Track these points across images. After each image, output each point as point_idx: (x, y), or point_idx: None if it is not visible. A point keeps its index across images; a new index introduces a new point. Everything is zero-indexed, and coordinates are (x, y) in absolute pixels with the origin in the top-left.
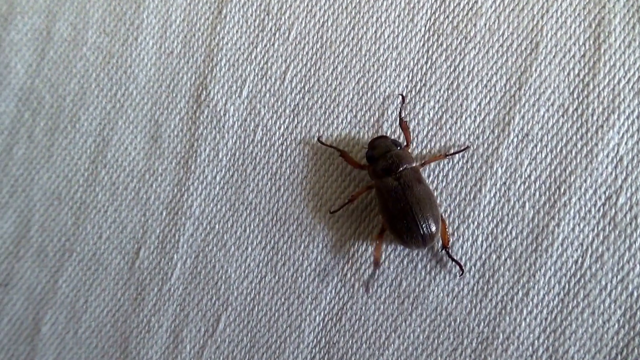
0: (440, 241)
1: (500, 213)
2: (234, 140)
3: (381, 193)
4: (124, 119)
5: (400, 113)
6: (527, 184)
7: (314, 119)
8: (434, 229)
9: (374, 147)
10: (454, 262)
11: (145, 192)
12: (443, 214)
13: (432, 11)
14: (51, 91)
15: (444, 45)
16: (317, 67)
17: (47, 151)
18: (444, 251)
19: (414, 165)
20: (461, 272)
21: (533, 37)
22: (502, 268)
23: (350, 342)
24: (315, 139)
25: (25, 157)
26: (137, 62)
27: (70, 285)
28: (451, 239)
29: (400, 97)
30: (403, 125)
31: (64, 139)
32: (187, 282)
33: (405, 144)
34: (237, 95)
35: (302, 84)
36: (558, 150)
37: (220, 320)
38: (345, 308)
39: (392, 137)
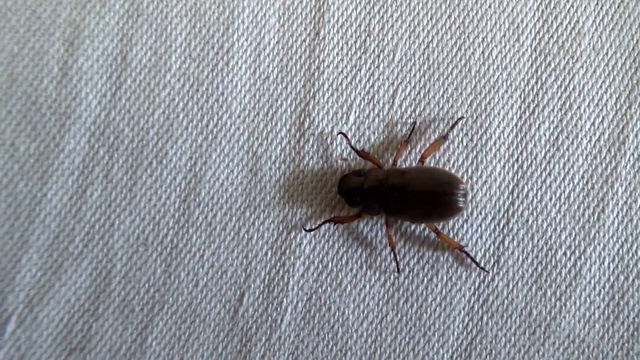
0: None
1: (624, 233)
2: (342, 169)
3: (398, 213)
4: (218, 152)
5: (354, 148)
6: None
7: (427, 145)
8: (454, 179)
9: (348, 192)
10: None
11: (246, 232)
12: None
13: (536, 31)
14: (131, 124)
15: (552, 65)
16: (426, 90)
17: (129, 192)
18: None
19: (383, 169)
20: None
21: (635, 56)
22: (630, 289)
23: None
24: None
25: (102, 200)
26: (230, 89)
27: (162, 342)
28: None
29: (342, 135)
30: (364, 155)
31: (149, 177)
32: (300, 328)
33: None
34: (343, 121)
35: (412, 108)
36: None
37: None
38: (474, 343)
39: (351, 170)
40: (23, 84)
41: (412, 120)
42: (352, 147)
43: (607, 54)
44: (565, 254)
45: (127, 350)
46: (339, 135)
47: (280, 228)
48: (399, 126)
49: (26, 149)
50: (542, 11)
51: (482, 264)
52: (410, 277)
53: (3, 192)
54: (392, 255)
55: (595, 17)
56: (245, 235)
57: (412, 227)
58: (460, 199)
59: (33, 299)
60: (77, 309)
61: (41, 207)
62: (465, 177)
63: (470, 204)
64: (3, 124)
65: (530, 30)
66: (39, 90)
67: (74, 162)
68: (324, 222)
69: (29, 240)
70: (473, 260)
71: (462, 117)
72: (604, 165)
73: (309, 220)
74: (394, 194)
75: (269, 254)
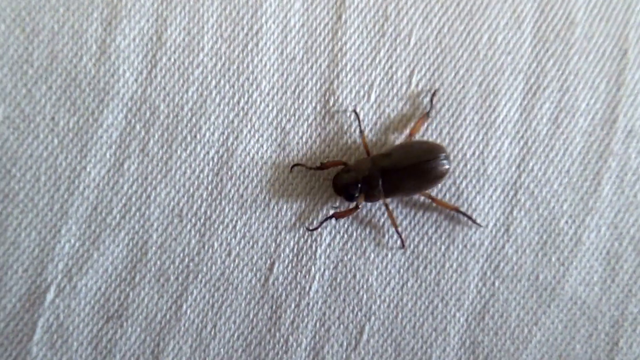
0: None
1: (617, 203)
2: (358, 146)
3: (395, 191)
4: (249, 127)
5: (312, 167)
6: (636, 175)
7: (442, 122)
8: (435, 146)
9: (346, 189)
10: None
11: (276, 203)
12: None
13: (535, 20)
14: (166, 100)
15: (550, 52)
16: (440, 72)
17: (164, 165)
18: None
19: (370, 156)
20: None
21: (622, 44)
22: (624, 254)
23: (494, 340)
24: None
25: (138, 173)
26: (260, 68)
27: (196, 310)
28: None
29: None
30: (327, 165)
31: (183, 151)
32: (327, 295)
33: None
34: (365, 100)
35: (428, 88)
36: None
37: (363, 331)
38: (487, 306)
39: (338, 169)
40: (63, 61)
41: (430, 94)
42: (309, 166)
43: (597, 42)
44: (567, 222)
45: (162, 318)
46: (358, 113)
47: (308, 200)
48: (416, 104)
49: (66, 124)
50: (539, 2)
51: (493, 233)
52: (429, 246)
53: (43, 165)
54: (396, 234)
55: (586, 8)
56: (275, 207)
57: (421, 199)
58: (444, 161)
59: (72, 268)
60: (115, 278)
61: (80, 179)
62: (477, 152)
63: (481, 178)
64: (44, 99)
65: (530, 19)
66: (78, 68)
67: (111, 136)
68: (325, 220)
69: (69, 211)
70: (469, 217)
71: (436, 90)
72: (598, 141)
73: (311, 215)
74: (390, 176)
75: (298, 224)
